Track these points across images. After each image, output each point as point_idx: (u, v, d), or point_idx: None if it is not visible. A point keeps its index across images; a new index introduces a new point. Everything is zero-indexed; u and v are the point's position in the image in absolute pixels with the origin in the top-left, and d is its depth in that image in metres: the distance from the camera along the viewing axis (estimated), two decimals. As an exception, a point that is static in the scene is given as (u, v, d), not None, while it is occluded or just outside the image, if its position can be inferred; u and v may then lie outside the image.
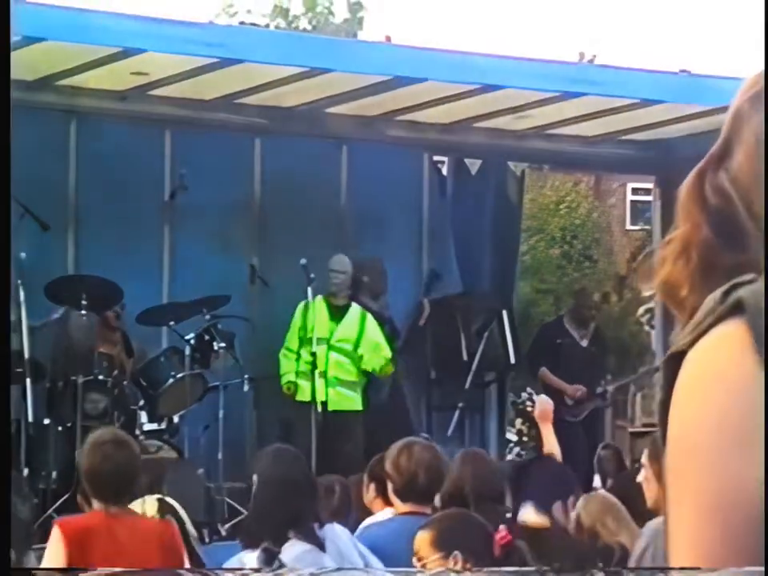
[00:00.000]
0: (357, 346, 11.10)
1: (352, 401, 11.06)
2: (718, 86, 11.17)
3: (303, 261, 10.74)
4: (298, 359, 10.95)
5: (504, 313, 12.40)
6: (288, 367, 11.05)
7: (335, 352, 11.02)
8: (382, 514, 6.54)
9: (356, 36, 35.44)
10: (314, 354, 10.70)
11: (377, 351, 11.07)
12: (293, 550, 5.68)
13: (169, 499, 6.21)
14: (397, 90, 10.97)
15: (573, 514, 6.08)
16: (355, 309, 11.22)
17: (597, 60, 29.86)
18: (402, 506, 6.21)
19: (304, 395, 10.83)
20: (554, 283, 23.36)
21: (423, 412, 12.35)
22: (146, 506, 6.17)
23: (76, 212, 11.52)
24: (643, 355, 15.90)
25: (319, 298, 11.07)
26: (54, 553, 5.83)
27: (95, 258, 11.16)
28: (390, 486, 6.24)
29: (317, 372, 10.64)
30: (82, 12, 9.59)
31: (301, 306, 11.05)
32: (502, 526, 5.12)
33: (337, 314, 11.17)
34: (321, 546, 5.75)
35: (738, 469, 1.74)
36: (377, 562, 5.82)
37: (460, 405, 12.10)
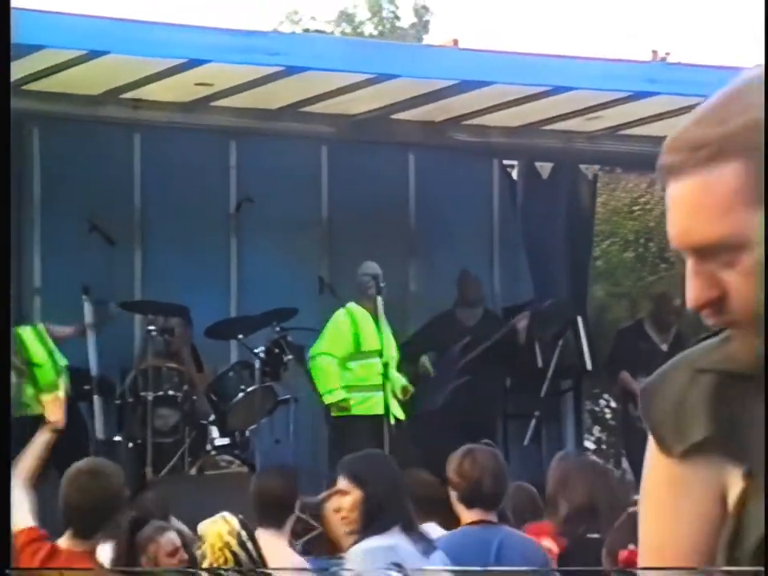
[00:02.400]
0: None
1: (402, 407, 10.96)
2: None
3: (373, 269, 10.78)
4: (344, 370, 10.82)
5: (579, 319, 12.38)
6: (333, 378, 10.74)
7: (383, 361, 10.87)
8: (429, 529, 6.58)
9: (422, 40, 35.51)
10: (386, 366, 10.67)
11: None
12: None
13: (229, 517, 6.13)
14: (464, 94, 10.99)
15: None
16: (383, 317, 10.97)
17: (670, 58, 29.75)
18: (467, 514, 6.20)
19: (368, 410, 10.74)
20: (628, 287, 23.24)
21: (499, 419, 12.31)
22: (217, 525, 6.12)
23: (142, 225, 11.61)
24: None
25: (356, 306, 10.94)
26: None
27: (162, 272, 11.25)
28: (453, 495, 6.24)
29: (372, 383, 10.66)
30: (145, 25, 9.68)
31: (341, 314, 10.94)
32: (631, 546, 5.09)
33: (377, 321, 11.01)
34: (431, 546, 5.76)
35: None
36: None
37: (536, 413, 12.10)
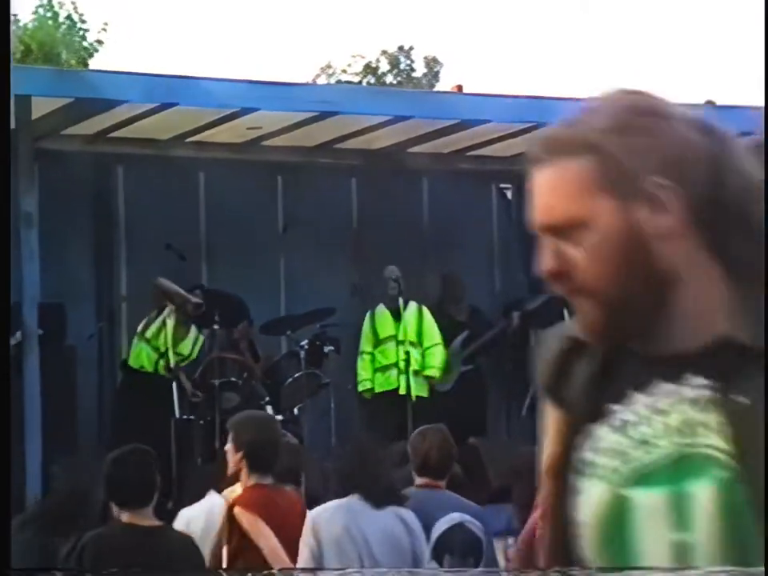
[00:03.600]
0: (420, 337, 11.08)
1: (424, 387, 11.10)
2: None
3: (394, 272, 10.91)
4: (372, 360, 11.03)
5: (565, 311, 12.40)
6: (364, 369, 11.03)
7: (403, 347, 11.00)
8: None
9: (434, 87, 35.52)
10: (407, 353, 10.81)
11: (433, 352, 11.07)
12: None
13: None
14: (467, 130, 11.06)
15: None
16: (411, 306, 11.11)
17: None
18: (417, 480, 6.09)
19: (385, 385, 10.90)
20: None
21: (503, 398, 12.35)
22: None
23: (207, 244, 11.69)
24: None
25: (381, 306, 11.14)
26: (255, 528, 5.42)
27: (224, 282, 11.30)
28: (411, 465, 6.14)
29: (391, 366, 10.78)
30: (205, 80, 9.77)
31: (367, 317, 11.14)
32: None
33: (397, 315, 11.18)
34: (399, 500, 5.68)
35: None
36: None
37: (531, 391, 12.09)
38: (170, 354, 10.27)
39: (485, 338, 11.80)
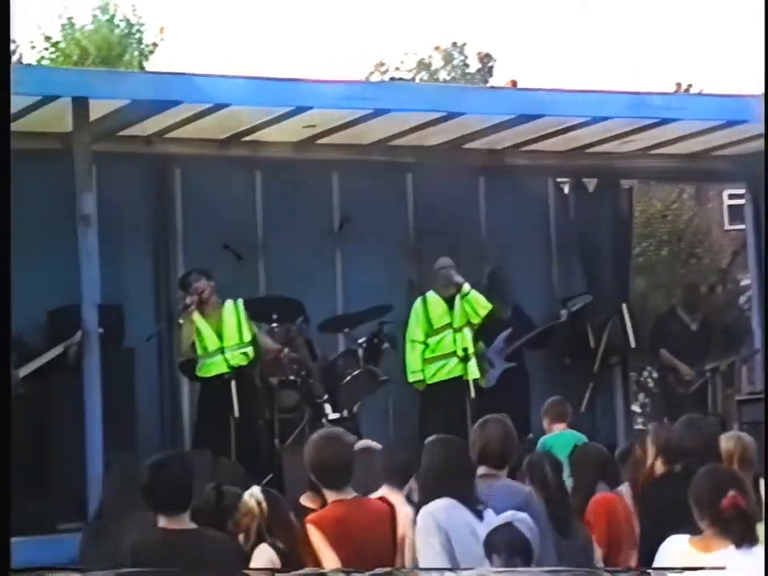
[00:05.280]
0: (469, 320, 10.93)
1: (480, 371, 10.98)
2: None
3: (448, 262, 10.80)
4: (425, 348, 10.93)
5: (623, 306, 12.34)
6: (414, 358, 10.84)
7: (458, 333, 10.89)
8: None
9: (487, 82, 35.38)
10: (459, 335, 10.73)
11: (478, 305, 10.91)
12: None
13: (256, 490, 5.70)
14: (522, 125, 10.97)
15: None
16: (465, 288, 10.92)
17: (693, 89, 29.46)
18: (478, 469, 6.07)
19: (444, 375, 10.81)
20: (664, 279, 23.07)
21: (560, 391, 12.26)
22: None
23: (264, 243, 11.67)
24: (745, 335, 15.71)
25: (431, 293, 11.01)
26: (320, 549, 5.42)
27: (281, 280, 11.28)
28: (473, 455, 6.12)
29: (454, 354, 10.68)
30: (260, 80, 9.75)
31: (418, 302, 11.00)
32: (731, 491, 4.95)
33: (450, 302, 11.03)
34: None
35: None
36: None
37: (590, 385, 12.09)
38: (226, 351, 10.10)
39: (529, 335, 11.75)
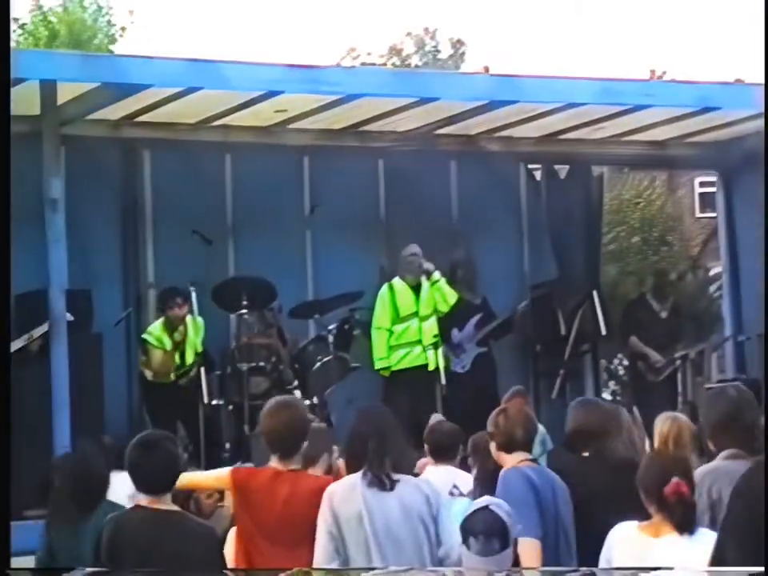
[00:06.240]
0: (436, 308, 10.93)
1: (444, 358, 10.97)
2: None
3: (416, 249, 10.76)
4: (390, 335, 10.89)
5: (594, 293, 12.34)
6: (380, 344, 10.87)
7: (424, 321, 10.88)
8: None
9: (459, 68, 35.35)
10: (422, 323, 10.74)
11: (448, 292, 10.92)
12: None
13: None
14: (494, 111, 10.94)
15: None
16: (426, 282, 10.98)
17: (665, 76, 29.50)
18: (509, 458, 5.98)
19: (409, 363, 10.76)
20: (635, 266, 23.14)
21: (530, 378, 12.31)
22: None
23: (233, 228, 11.62)
24: (715, 323, 15.74)
25: (398, 280, 10.99)
26: (227, 493, 5.54)
27: (250, 266, 11.24)
28: (492, 445, 6.04)
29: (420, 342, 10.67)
30: (231, 64, 9.67)
31: (385, 290, 10.97)
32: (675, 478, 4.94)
33: (417, 291, 11.01)
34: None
35: None
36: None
37: (561, 371, 12.09)
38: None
39: (498, 321, 11.77)
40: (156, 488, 5.22)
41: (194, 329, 10.40)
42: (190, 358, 10.43)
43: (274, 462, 5.68)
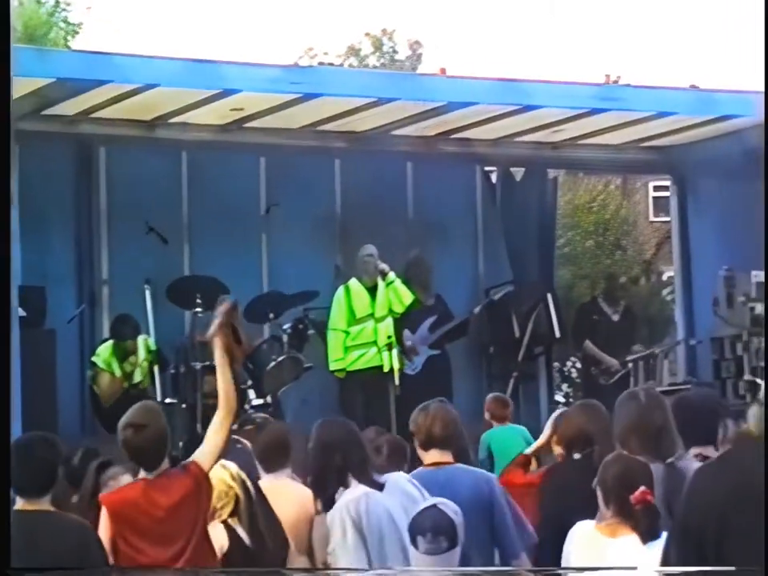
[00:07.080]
0: (391, 309, 10.90)
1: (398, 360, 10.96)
2: (722, 99, 11.15)
3: (372, 250, 10.77)
4: (346, 336, 10.91)
5: (549, 296, 12.40)
6: (336, 345, 10.83)
7: (380, 323, 10.88)
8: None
9: (416, 70, 35.41)
10: (389, 333, 10.73)
11: (403, 293, 10.90)
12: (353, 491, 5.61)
13: (228, 464, 5.72)
14: (451, 113, 10.97)
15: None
16: (381, 283, 10.92)
17: (621, 80, 29.63)
18: (426, 456, 5.98)
19: (364, 364, 10.79)
20: (590, 270, 23.27)
21: (484, 380, 12.35)
22: (219, 472, 5.65)
23: (189, 227, 11.59)
24: (668, 327, 15.85)
25: (354, 281, 11.00)
26: (102, 526, 5.29)
27: (206, 264, 11.21)
28: (416, 442, 6.03)
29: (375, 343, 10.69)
30: (188, 62, 9.65)
31: (341, 291, 10.97)
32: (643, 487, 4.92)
33: (372, 292, 11.01)
34: (380, 488, 5.65)
35: None
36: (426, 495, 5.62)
37: (514, 374, 12.13)
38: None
39: (452, 324, 11.78)
40: (30, 492, 5.11)
41: (145, 350, 10.40)
42: (138, 378, 10.47)
43: (142, 473, 5.53)
